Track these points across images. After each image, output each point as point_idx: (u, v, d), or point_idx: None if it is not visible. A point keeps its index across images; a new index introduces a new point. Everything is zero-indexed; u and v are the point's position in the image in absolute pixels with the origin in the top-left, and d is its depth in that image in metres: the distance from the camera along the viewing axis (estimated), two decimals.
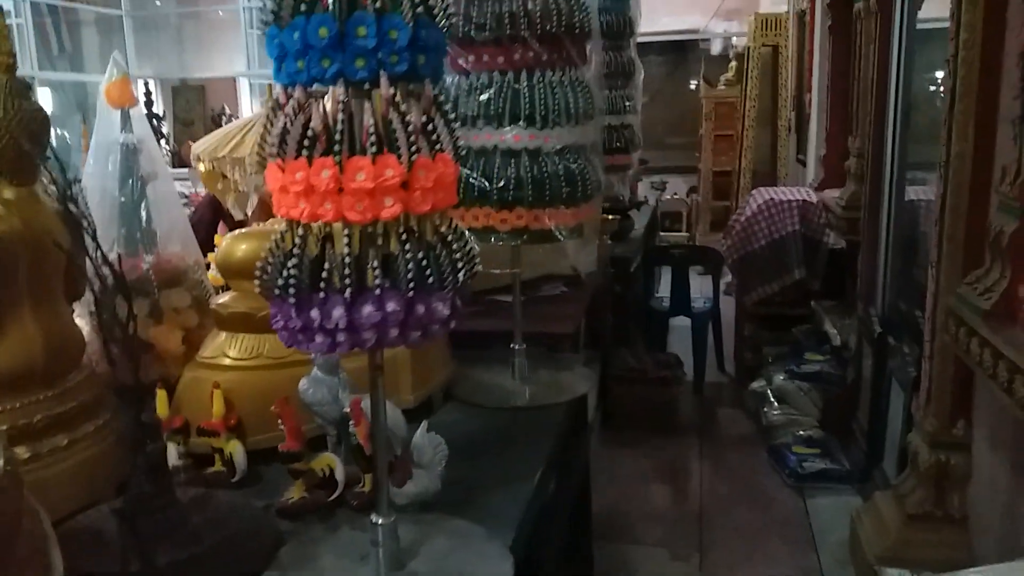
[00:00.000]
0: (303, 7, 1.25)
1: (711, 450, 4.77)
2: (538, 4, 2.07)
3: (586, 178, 2.21)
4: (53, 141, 1.72)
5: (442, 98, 1.37)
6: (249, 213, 2.69)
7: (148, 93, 10.45)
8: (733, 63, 8.82)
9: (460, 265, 1.38)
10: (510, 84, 2.11)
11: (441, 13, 1.34)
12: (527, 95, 2.10)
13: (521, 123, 2.11)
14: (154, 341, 2.06)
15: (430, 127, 1.33)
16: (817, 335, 5.05)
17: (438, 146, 1.33)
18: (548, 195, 2.13)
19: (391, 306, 1.30)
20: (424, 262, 1.32)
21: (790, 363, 4.82)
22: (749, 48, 7.99)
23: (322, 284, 1.29)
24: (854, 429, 4.37)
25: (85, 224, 1.41)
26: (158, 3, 10.84)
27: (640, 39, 4.02)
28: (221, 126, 3.92)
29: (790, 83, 7.77)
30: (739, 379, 5.62)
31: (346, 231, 1.29)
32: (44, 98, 8.84)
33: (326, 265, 1.31)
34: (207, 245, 2.47)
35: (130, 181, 2.05)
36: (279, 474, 1.79)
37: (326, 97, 1.30)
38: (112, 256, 2.03)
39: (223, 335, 2.02)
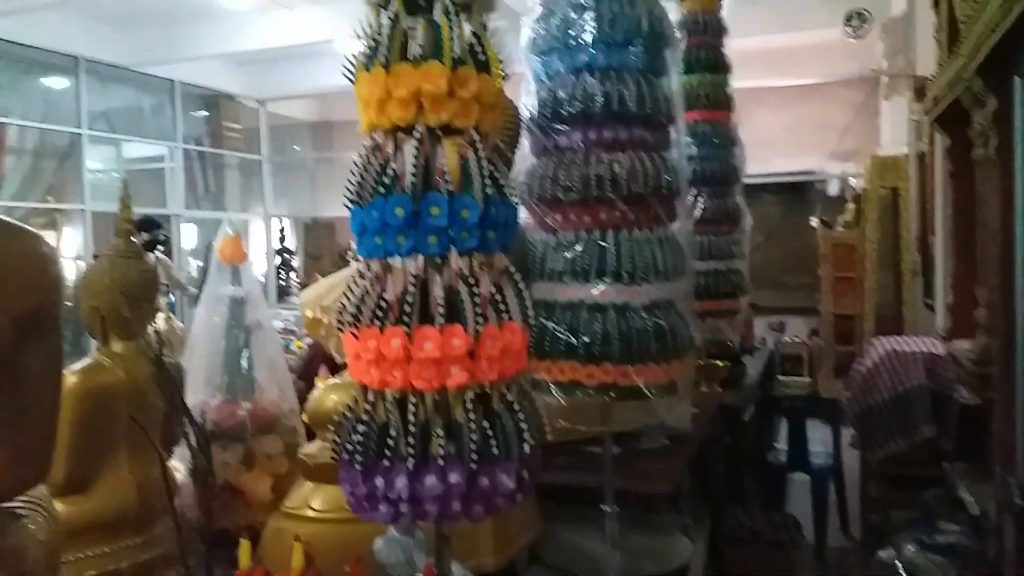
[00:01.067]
0: (382, 189, 1.33)
1: None
2: (624, 167, 2.11)
3: (676, 333, 2.16)
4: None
5: (512, 269, 1.40)
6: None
7: (282, 230, 11.29)
8: (851, 204, 8.65)
9: (526, 434, 1.36)
10: (596, 241, 2.13)
11: (511, 190, 1.38)
12: (614, 252, 2.12)
13: (608, 279, 2.11)
14: (244, 487, 2.11)
15: (498, 297, 1.35)
16: (951, 501, 4.59)
17: (506, 315, 1.35)
18: (636, 351, 2.10)
19: (454, 477, 1.29)
20: (489, 431, 1.31)
21: (921, 532, 4.37)
22: (867, 189, 7.83)
23: (387, 452, 1.30)
24: None
25: (175, 380, 1.50)
26: (297, 148, 11.85)
27: (753, 180, 4.01)
28: (348, 261, 4.13)
29: (913, 224, 7.51)
30: (865, 544, 5.14)
31: (413, 399, 1.31)
32: (189, 234, 9.64)
33: (392, 432, 1.32)
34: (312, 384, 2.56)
35: (235, 331, 2.17)
36: None
37: (401, 269, 1.36)
38: (214, 403, 2.13)
39: (308, 485, 2.04)
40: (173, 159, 9.31)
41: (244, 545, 1.87)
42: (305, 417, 2.31)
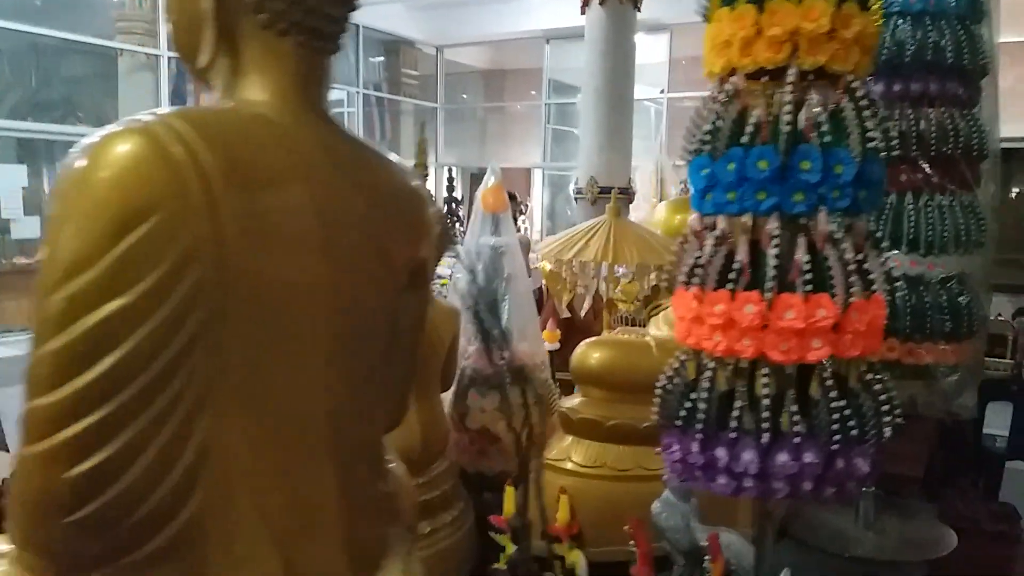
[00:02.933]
0: (743, 139, 1.22)
1: None
2: (932, 123, 1.91)
3: (972, 312, 1.96)
4: None
5: (879, 234, 1.27)
6: (582, 314, 2.74)
7: (451, 179, 11.46)
8: None
9: (884, 417, 1.24)
10: (893, 206, 1.95)
11: (885, 145, 1.24)
12: (912, 218, 1.93)
13: (903, 248, 1.93)
14: (501, 435, 2.11)
15: (865, 265, 1.23)
16: None
17: (873, 286, 1.22)
18: (928, 328, 1.92)
19: (809, 457, 1.19)
20: (848, 411, 1.20)
21: None
22: None
23: (733, 423, 1.22)
24: None
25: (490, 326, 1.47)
26: (464, 96, 11.93)
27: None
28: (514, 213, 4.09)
29: None
30: None
31: (765, 370, 1.21)
32: None
33: (737, 403, 1.23)
34: None
35: (495, 280, 2.15)
36: None
37: (751, 229, 1.25)
38: (471, 349, 2.13)
39: (568, 439, 2.02)
40: (352, 104, 9.55)
41: (509, 492, 1.86)
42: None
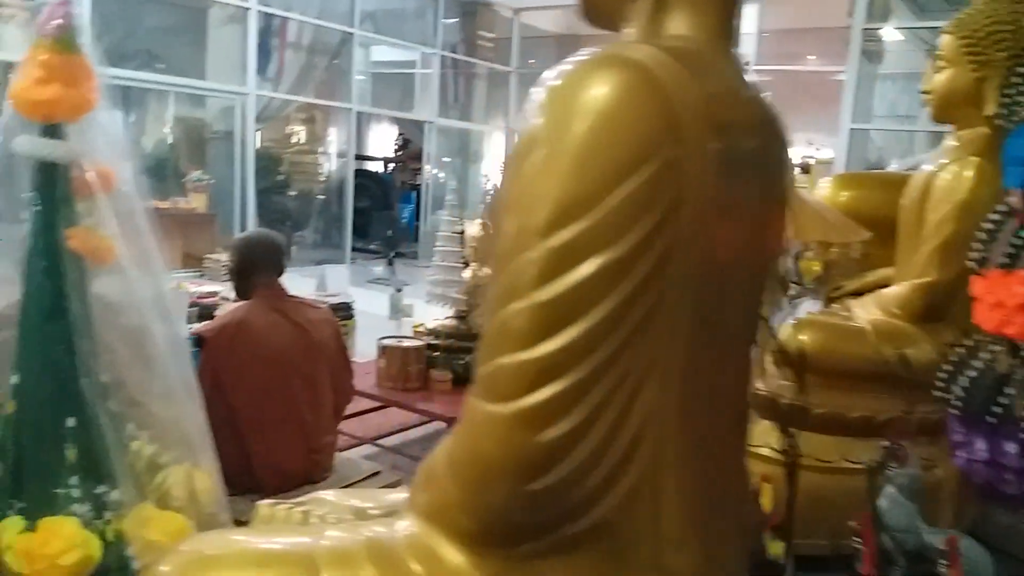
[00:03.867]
0: None
1: None
2: None
3: None
4: None
5: None
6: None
7: None
8: None
9: None
10: None
11: None
12: None
13: None
14: None
15: None
16: None
17: None
18: None
19: None
20: None
21: None
22: None
23: None
24: None
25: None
26: (531, 62, 11.72)
27: None
28: None
29: None
30: None
31: None
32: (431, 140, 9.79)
33: None
34: None
35: None
36: None
37: None
38: None
39: (764, 424, 1.91)
40: (427, 65, 9.42)
41: (766, 488, 1.76)
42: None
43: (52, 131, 1.42)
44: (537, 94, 0.71)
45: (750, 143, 0.74)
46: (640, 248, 0.65)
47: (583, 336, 0.66)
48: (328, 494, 1.04)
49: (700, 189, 0.67)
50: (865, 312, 2.06)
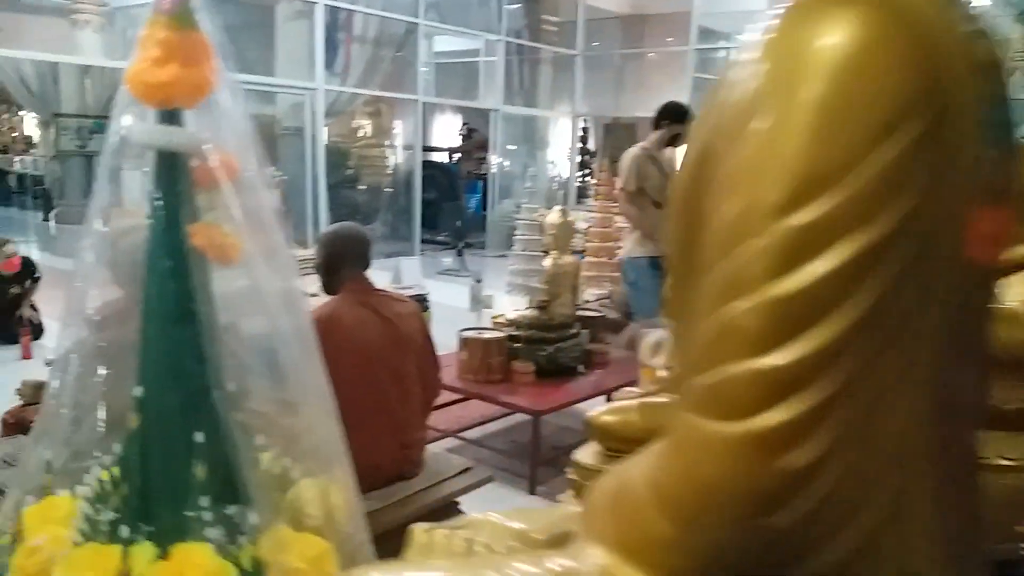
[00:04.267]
0: None
1: None
2: None
3: None
4: None
5: None
6: None
7: (584, 130, 11.09)
8: None
9: None
10: None
11: None
12: None
13: None
14: None
15: None
16: None
17: None
18: None
19: None
20: None
21: None
22: None
23: None
24: None
25: None
26: (595, 44, 11.46)
27: None
28: None
29: None
30: None
31: None
32: (496, 128, 9.66)
33: None
34: None
35: None
36: None
37: None
38: None
39: None
40: (492, 52, 9.27)
41: None
42: None
43: (170, 117, 1.29)
44: (747, 49, 0.58)
45: (1001, 94, 0.60)
46: (901, 228, 0.53)
47: (833, 340, 0.53)
48: (488, 516, 0.93)
49: (965, 155, 0.55)
50: (1013, 291, 1.82)
